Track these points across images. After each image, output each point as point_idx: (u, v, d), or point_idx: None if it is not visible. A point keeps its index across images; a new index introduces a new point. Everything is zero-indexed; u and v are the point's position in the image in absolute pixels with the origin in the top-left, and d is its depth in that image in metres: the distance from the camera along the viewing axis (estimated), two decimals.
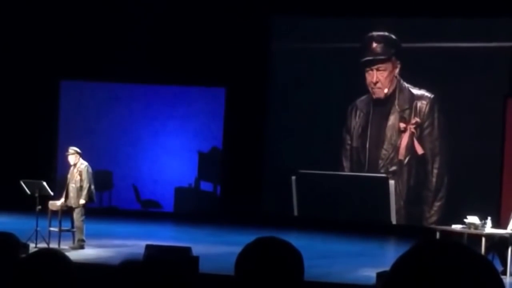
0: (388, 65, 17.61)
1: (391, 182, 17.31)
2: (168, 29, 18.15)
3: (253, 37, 17.96)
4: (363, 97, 17.82)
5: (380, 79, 17.64)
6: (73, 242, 12.32)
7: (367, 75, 17.73)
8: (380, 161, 17.56)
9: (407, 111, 17.48)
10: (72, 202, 12.34)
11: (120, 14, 18.17)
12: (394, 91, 17.60)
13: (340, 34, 17.91)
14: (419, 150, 17.28)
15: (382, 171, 17.52)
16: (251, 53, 17.90)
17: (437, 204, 17.11)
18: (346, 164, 17.89)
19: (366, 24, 17.71)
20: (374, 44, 17.69)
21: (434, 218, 16.98)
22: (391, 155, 17.48)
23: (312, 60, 18.01)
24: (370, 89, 17.75)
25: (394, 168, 17.43)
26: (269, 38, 18.35)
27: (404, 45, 17.48)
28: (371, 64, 17.64)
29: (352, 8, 17.49)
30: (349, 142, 17.89)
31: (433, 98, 17.26)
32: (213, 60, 17.83)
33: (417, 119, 17.37)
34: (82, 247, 12.21)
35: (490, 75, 16.72)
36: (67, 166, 12.93)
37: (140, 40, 18.09)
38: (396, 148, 17.46)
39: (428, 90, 17.33)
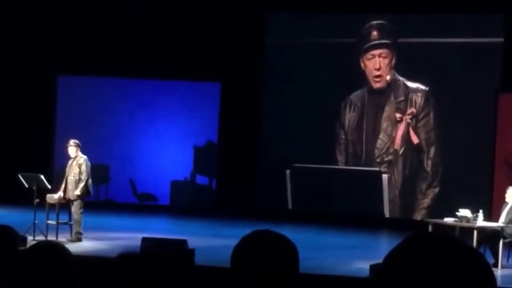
0: (389, 53, 17.66)
1: (384, 176, 17.42)
2: (164, 24, 18.18)
3: (248, 32, 18.01)
4: (357, 92, 17.90)
5: (382, 66, 17.68)
6: (71, 235, 12.38)
7: (367, 63, 17.75)
8: (376, 151, 17.67)
9: (403, 103, 17.57)
10: (70, 194, 12.39)
11: (117, 9, 18.20)
12: (391, 82, 17.69)
13: (335, 29, 17.97)
14: (415, 140, 17.38)
15: (377, 160, 17.61)
16: (246, 48, 17.95)
17: (430, 192, 17.23)
18: (340, 158, 17.98)
19: (360, 19, 17.79)
20: (375, 32, 17.75)
21: (426, 204, 17.13)
22: (387, 145, 17.58)
23: (306, 55, 18.08)
24: (370, 78, 17.77)
25: (389, 157, 17.54)
26: (264, 33, 18.40)
27: (398, 40, 17.59)
28: (375, 48, 17.63)
29: (346, 3, 17.58)
30: (343, 136, 17.98)
31: (428, 90, 17.38)
32: (208, 55, 17.87)
33: (413, 110, 17.47)
34: (79, 240, 12.25)
35: (482, 71, 16.82)
36: (64, 159, 12.99)
37: (137, 35, 18.13)
38: (391, 138, 17.57)
39: (422, 83, 17.45)
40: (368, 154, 17.72)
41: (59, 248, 2.71)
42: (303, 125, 17.90)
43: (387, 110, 17.65)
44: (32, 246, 2.78)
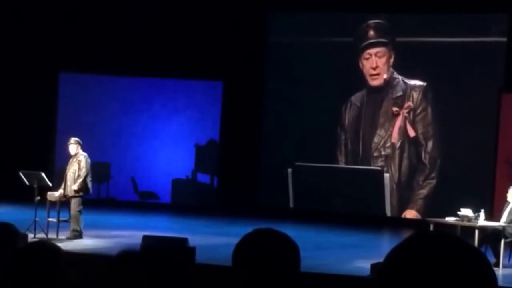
0: (386, 51, 17.67)
1: (386, 175, 17.43)
2: (167, 23, 18.19)
3: (251, 31, 18.01)
4: (358, 94, 17.92)
5: (379, 64, 17.70)
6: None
7: (365, 62, 17.77)
8: (373, 145, 17.69)
9: (400, 98, 17.60)
10: (68, 190, 12.39)
11: (119, 7, 18.21)
12: (389, 80, 17.71)
13: (337, 29, 17.98)
14: (411, 133, 17.41)
15: (375, 154, 17.63)
16: (248, 47, 17.95)
17: (427, 184, 17.22)
18: (341, 158, 18.00)
19: (363, 18, 17.80)
20: (372, 31, 17.78)
21: (422, 195, 17.16)
22: (384, 139, 17.60)
23: (309, 55, 18.08)
24: (368, 77, 17.80)
25: (387, 152, 17.56)
26: (266, 32, 18.41)
27: (398, 39, 17.59)
28: (371, 47, 17.64)
29: (349, 2, 17.58)
30: (343, 137, 17.99)
31: (426, 85, 17.39)
32: (210, 53, 17.88)
33: (410, 103, 17.49)
34: (76, 237, 12.17)
35: (484, 71, 16.83)
36: (65, 157, 13.00)
37: (139, 33, 18.14)
38: (389, 132, 17.59)
39: (422, 81, 17.46)
40: (366, 150, 17.75)
41: (50, 247, 2.76)
42: (305, 124, 17.91)
43: (385, 105, 17.69)
44: (26, 245, 2.81)
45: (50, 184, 12.51)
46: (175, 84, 18.75)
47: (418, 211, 17.17)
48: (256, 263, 2.31)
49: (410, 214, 17.34)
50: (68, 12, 18.23)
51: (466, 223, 11.77)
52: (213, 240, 12.64)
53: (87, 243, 12.01)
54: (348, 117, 17.96)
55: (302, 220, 16.06)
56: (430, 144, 17.32)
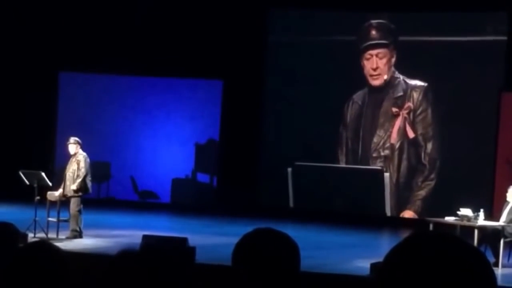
0: (387, 52, 17.68)
1: (386, 175, 17.42)
2: (167, 22, 18.19)
3: (251, 30, 18.01)
4: (359, 92, 17.92)
5: (379, 65, 17.71)
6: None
7: (366, 62, 17.78)
8: (372, 145, 17.69)
9: (401, 98, 17.61)
10: (68, 190, 12.39)
11: (119, 6, 18.21)
12: (390, 80, 17.71)
13: (338, 27, 17.97)
14: (411, 134, 17.41)
15: (374, 155, 17.64)
16: (248, 46, 17.95)
17: (426, 185, 17.22)
18: (341, 157, 18.00)
19: (364, 17, 17.79)
20: (374, 31, 17.78)
21: (421, 196, 17.16)
22: (384, 140, 17.60)
23: (309, 54, 18.08)
24: (368, 77, 17.79)
25: (386, 152, 17.56)
26: (267, 31, 18.41)
27: (400, 38, 17.58)
28: (372, 48, 17.65)
29: (349, 1, 17.58)
30: (345, 136, 18.00)
31: (427, 86, 17.39)
32: (210, 53, 17.88)
33: (410, 104, 17.50)
34: (75, 237, 12.15)
35: (485, 70, 16.82)
36: (65, 157, 12.99)
37: (139, 32, 18.13)
38: (388, 133, 17.59)
39: (422, 81, 17.47)
40: (365, 150, 17.76)
41: (50, 247, 2.76)
42: (305, 123, 17.90)
43: (385, 105, 17.70)
44: (26, 245, 2.83)
45: (50, 183, 12.50)
46: (175, 83, 18.75)
47: (415, 212, 17.17)
48: (256, 263, 2.31)
49: (408, 215, 17.34)
50: (68, 12, 18.22)
51: (465, 223, 11.78)
52: (213, 240, 12.64)
53: (87, 243, 12.00)
54: (350, 114, 17.97)
55: (302, 220, 16.05)
56: (429, 145, 17.32)
